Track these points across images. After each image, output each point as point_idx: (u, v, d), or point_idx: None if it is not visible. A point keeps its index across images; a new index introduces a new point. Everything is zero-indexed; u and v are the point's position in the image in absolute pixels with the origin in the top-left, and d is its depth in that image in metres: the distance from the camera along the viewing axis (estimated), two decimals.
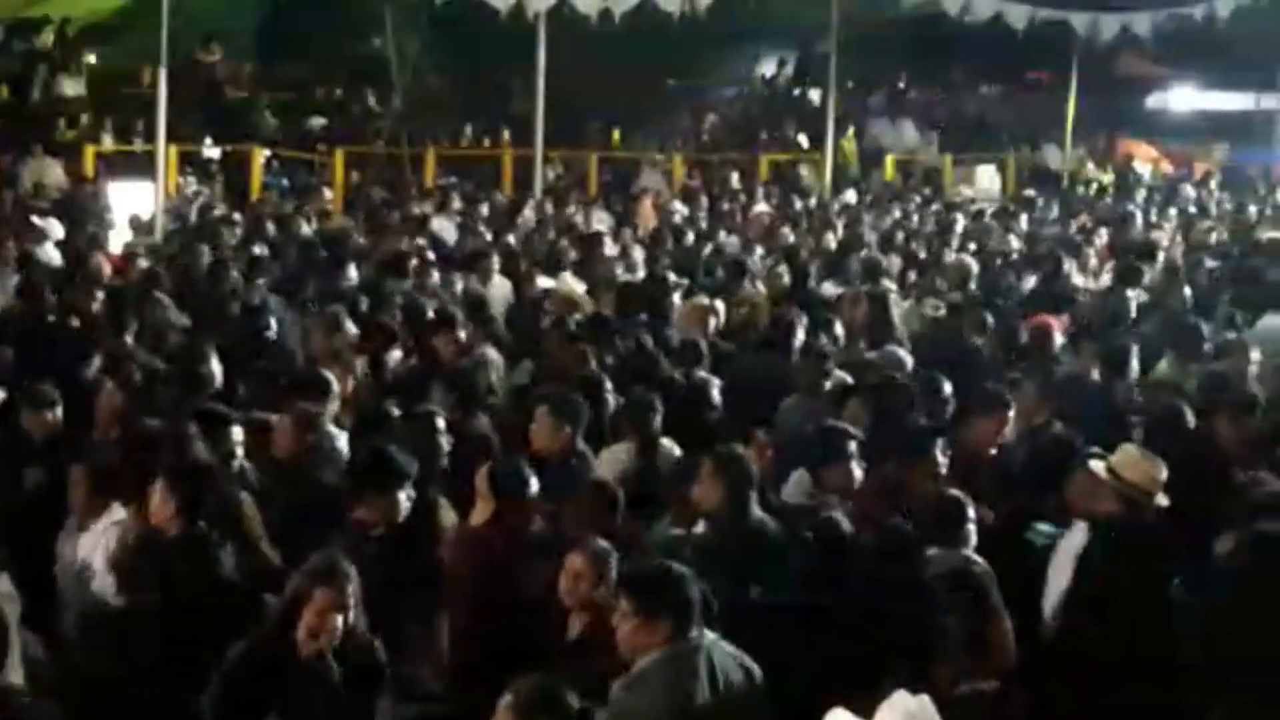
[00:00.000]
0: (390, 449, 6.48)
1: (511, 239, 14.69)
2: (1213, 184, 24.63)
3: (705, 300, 10.76)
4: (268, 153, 21.39)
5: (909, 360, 9.45)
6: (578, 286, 11.40)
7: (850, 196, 21.53)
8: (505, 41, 21.71)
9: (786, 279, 12.62)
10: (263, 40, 26.15)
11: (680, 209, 18.33)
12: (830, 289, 12.05)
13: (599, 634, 5.33)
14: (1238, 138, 29.61)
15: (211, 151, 21.30)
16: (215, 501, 6.20)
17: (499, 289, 11.92)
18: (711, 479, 6.37)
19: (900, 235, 16.39)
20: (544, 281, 11.82)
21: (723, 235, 15.39)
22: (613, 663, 5.08)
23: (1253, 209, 20.41)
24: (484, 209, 17.37)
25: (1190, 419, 7.96)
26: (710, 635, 5.09)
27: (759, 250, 14.61)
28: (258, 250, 13.32)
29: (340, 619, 5.14)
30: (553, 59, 19.27)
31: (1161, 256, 14.22)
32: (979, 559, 6.22)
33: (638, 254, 13.86)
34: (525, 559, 6.12)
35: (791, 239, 15.20)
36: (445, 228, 15.85)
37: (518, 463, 6.58)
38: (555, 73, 19.50)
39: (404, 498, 6.23)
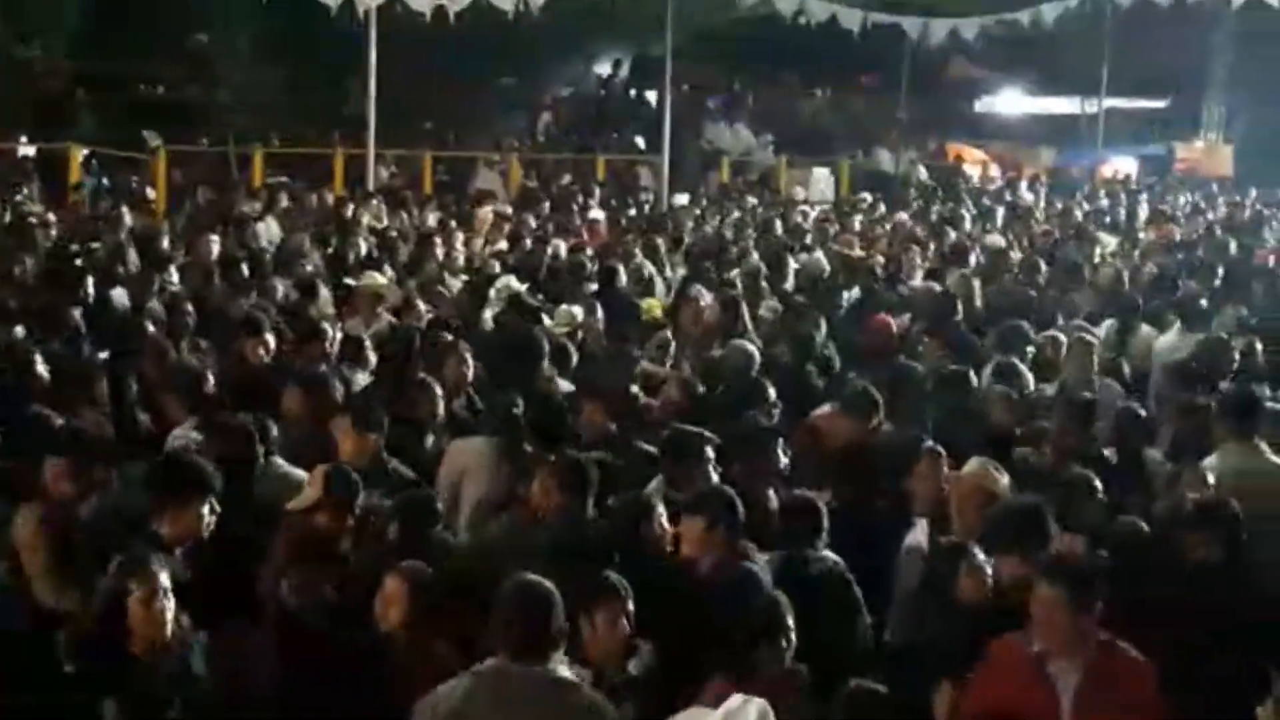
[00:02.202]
0: (190, 457, 6.12)
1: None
2: (1039, 186, 25.17)
3: (577, 310, 10.57)
4: (87, 151, 20.59)
5: (756, 355, 9.33)
6: (384, 282, 11.13)
7: (682, 199, 21.50)
8: (336, 38, 21.25)
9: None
10: (82, 34, 25.22)
11: (510, 212, 18.03)
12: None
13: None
14: (1064, 141, 30.43)
15: (27, 149, 20.47)
16: None
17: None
18: (552, 482, 6.39)
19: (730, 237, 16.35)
20: (350, 280, 11.53)
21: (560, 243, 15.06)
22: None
23: (1078, 211, 20.84)
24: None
25: None
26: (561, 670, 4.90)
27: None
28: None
29: (164, 606, 5.03)
30: (385, 56, 18.90)
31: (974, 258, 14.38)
32: (831, 557, 6.15)
33: (460, 256, 13.65)
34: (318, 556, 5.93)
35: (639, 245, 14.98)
36: (272, 228, 15.39)
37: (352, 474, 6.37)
38: (388, 70, 19.13)
39: (206, 511, 5.85)
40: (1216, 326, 10.61)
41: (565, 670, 4.89)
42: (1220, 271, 13.33)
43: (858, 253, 15.01)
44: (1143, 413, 8.13)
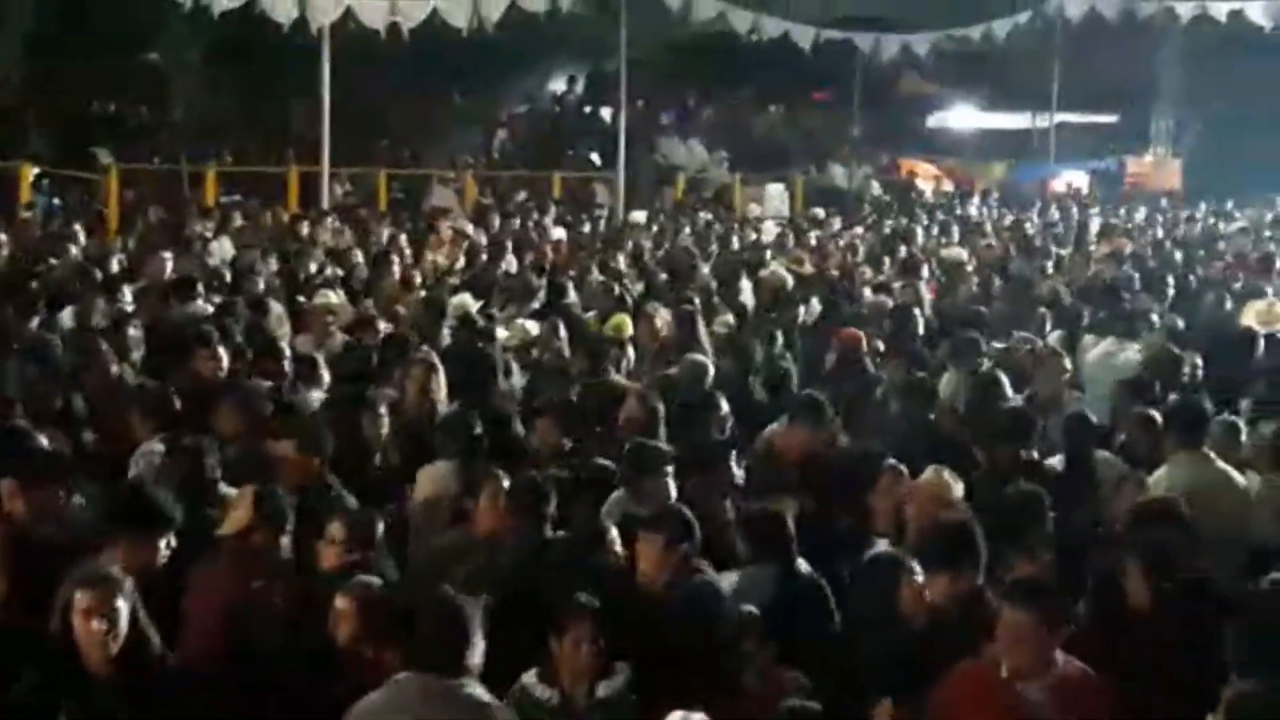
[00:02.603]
0: (150, 489, 6.04)
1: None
2: (992, 200, 25.37)
3: (531, 325, 10.53)
4: (37, 170, 20.39)
5: (710, 370, 9.34)
6: (335, 298, 11.09)
7: (639, 216, 21.54)
8: (290, 55, 21.17)
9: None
10: (32, 52, 25.03)
11: (470, 230, 17.99)
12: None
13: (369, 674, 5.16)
14: (1015, 155, 30.67)
15: None
16: None
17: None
18: (506, 503, 6.36)
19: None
20: (301, 300, 11.47)
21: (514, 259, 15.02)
22: None
23: (1029, 225, 21.00)
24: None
25: None
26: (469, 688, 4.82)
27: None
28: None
29: (105, 623, 4.93)
30: (339, 74, 18.85)
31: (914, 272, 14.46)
32: (803, 569, 6.14)
33: (417, 274, 13.63)
34: (265, 576, 5.87)
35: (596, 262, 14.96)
36: (226, 247, 15.29)
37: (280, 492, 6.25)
38: (342, 87, 19.08)
39: (164, 545, 5.71)
40: (1153, 337, 10.69)
41: (480, 689, 4.81)
42: (1171, 283, 13.49)
43: (808, 268, 15.07)
44: (1093, 417, 8.19)
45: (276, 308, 11.16)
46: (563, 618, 5.28)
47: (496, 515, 6.43)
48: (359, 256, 14.26)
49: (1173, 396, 8.64)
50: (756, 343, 10.28)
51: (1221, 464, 7.41)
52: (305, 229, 16.44)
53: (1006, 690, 5.01)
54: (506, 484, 6.49)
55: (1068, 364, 9.60)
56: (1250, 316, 11.62)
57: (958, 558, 5.68)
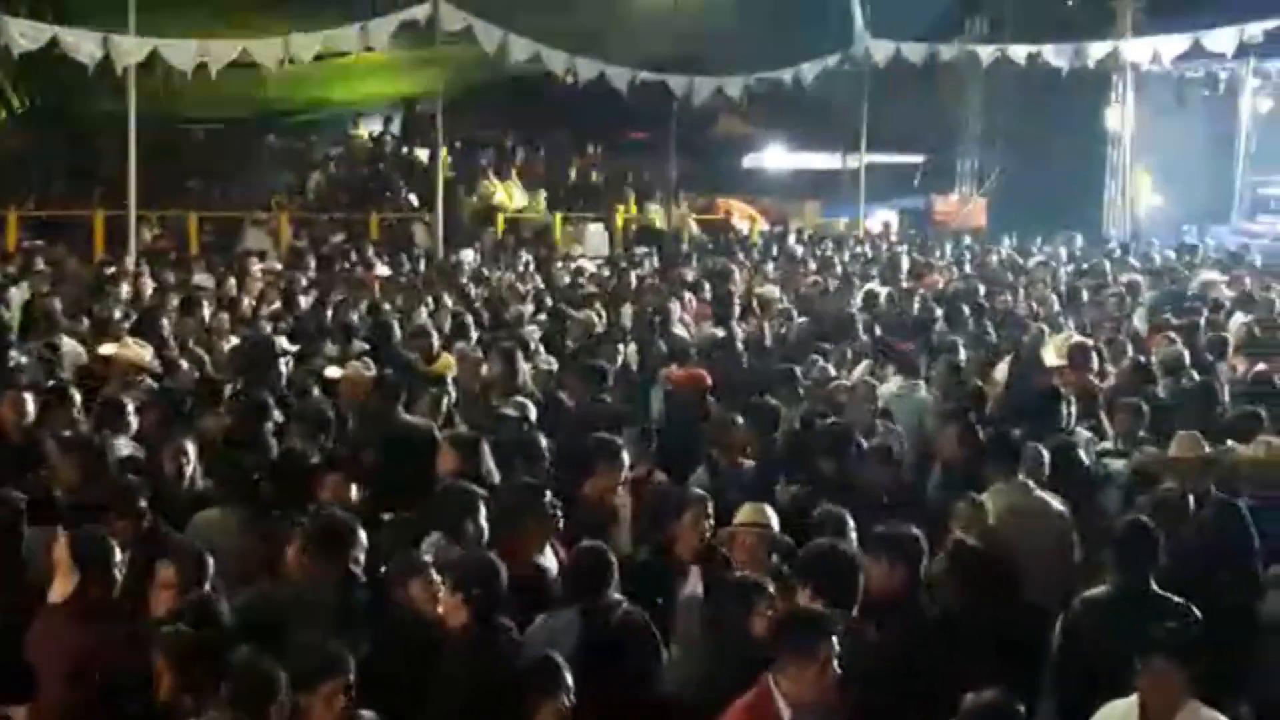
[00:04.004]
0: None
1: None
2: (806, 238, 25.81)
3: (368, 370, 10.38)
4: None
5: (533, 411, 9.36)
6: (143, 352, 10.85)
7: (468, 255, 21.43)
8: (95, 96, 20.64)
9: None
10: None
11: (279, 268, 17.67)
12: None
13: None
14: (828, 194, 31.33)
15: None
16: None
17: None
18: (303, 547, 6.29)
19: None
20: (106, 348, 11.19)
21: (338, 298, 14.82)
22: None
23: (838, 262, 21.41)
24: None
25: None
26: None
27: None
28: None
29: None
30: (146, 114, 18.43)
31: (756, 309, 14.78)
32: (625, 603, 6.13)
33: (227, 317, 13.36)
34: (110, 636, 5.72)
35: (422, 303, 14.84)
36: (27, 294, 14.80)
37: (102, 531, 6.12)
38: (149, 128, 18.65)
39: None
40: (939, 373, 10.99)
41: None
42: (968, 316, 13.96)
43: (627, 310, 15.14)
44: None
45: (70, 353, 10.92)
46: (314, 672, 5.06)
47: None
48: (167, 302, 13.95)
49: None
50: (610, 369, 10.37)
51: (1038, 490, 7.76)
52: (111, 274, 16.01)
53: None
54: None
55: (877, 394, 9.92)
56: (1050, 349, 12.03)
57: (828, 580, 5.83)
